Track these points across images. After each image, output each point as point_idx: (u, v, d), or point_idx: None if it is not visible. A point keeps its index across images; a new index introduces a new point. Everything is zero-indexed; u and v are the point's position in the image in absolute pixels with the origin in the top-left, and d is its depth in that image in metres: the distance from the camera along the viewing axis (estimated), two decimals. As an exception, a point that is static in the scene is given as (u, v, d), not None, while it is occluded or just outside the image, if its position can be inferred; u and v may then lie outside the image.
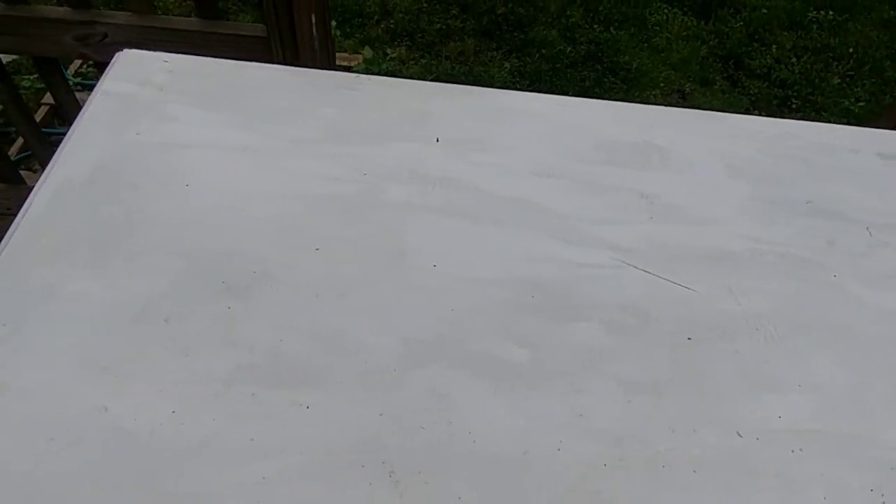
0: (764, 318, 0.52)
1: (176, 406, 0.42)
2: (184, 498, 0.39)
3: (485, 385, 0.46)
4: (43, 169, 0.56)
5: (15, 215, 0.49)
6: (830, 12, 4.01)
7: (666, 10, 3.56)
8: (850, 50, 3.70)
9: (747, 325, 0.52)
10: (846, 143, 0.68)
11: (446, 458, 0.42)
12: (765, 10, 3.87)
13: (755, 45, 3.46)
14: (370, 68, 2.26)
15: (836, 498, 0.44)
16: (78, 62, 2.34)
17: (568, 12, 3.52)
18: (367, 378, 0.45)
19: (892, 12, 3.93)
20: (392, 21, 2.91)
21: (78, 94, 1.53)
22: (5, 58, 1.59)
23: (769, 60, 3.23)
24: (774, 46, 3.55)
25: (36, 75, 2.09)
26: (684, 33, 3.64)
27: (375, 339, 0.47)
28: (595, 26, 3.23)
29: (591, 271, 0.53)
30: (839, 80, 3.07)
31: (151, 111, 0.58)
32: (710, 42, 3.34)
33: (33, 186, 0.51)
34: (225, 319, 0.46)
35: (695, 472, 0.44)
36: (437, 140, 0.60)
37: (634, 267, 0.54)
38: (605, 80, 2.87)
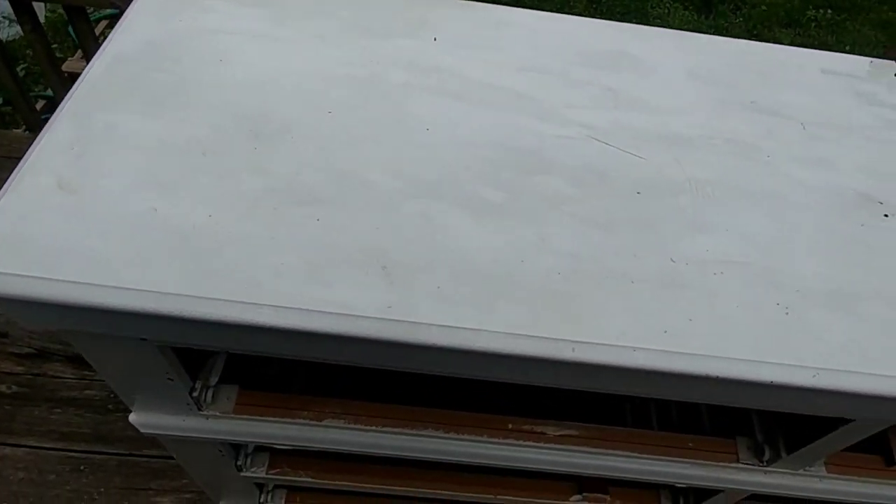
0: (704, 183, 0.62)
1: (212, 212, 0.52)
2: (222, 273, 0.48)
3: (467, 214, 0.56)
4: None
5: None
6: (829, 11, 4.09)
7: (668, 4, 3.66)
8: (847, 48, 3.78)
9: (690, 186, 0.62)
10: (795, 60, 0.77)
11: (431, 260, 0.52)
12: (764, 7, 3.95)
13: (754, 41, 3.55)
14: None
15: (746, 307, 0.53)
16: (102, 26, 2.44)
17: (571, 3, 3.61)
18: (370, 203, 0.55)
19: (890, 13, 4.00)
20: None
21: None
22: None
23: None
24: (773, 43, 3.64)
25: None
26: (685, 27, 3.73)
27: (378, 177, 0.57)
28: (597, 17, 3.32)
29: (560, 141, 0.63)
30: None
31: (193, 4, 0.68)
32: (709, 32, 3.41)
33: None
34: (253, 156, 0.56)
35: (632, 283, 0.53)
36: (435, 39, 0.70)
37: (598, 140, 0.64)
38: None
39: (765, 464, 0.78)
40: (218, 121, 0.58)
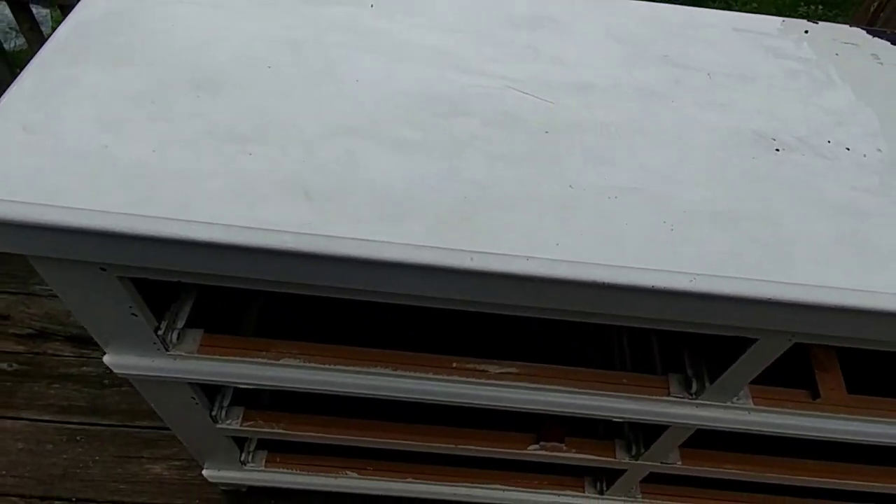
0: (609, 124, 0.68)
1: (156, 148, 0.59)
2: (161, 198, 0.55)
3: (386, 151, 0.62)
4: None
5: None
6: (820, 7, 4.12)
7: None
8: (836, 39, 3.78)
9: (595, 126, 0.68)
10: (709, 20, 0.84)
11: (349, 188, 0.59)
12: (755, 4, 3.99)
13: (676, 5, 3.60)
14: None
15: (635, 225, 0.59)
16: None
17: None
18: (298, 142, 0.62)
19: (879, 5, 4.01)
20: None
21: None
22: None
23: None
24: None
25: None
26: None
27: (308, 122, 0.64)
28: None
29: (479, 90, 0.70)
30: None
31: (151, -20, 0.75)
32: (692, 24, 3.45)
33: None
34: (194, 104, 0.63)
35: (533, 205, 0.59)
36: (372, 6, 0.77)
37: (514, 89, 0.70)
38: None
39: (693, 396, 0.83)
40: (165, 76, 0.66)
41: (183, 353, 0.81)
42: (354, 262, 0.55)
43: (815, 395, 0.85)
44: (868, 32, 0.86)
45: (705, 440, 1.03)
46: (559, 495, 1.27)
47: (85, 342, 1.55)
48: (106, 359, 0.81)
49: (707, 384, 0.81)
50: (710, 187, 0.64)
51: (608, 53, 0.77)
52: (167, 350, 0.80)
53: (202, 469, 1.23)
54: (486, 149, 0.64)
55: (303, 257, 0.55)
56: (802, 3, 3.96)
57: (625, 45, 0.78)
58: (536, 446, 1.06)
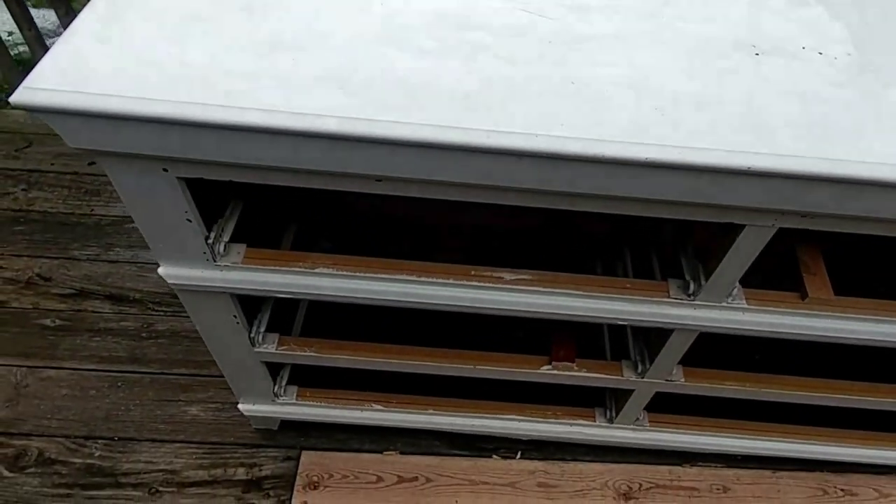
0: (607, 35, 0.77)
1: (213, 55, 0.68)
2: (219, 94, 0.65)
3: (409, 55, 0.71)
4: None
5: None
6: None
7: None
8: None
9: (594, 37, 0.76)
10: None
11: (379, 82, 0.68)
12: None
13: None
14: None
15: (628, 110, 0.68)
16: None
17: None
18: (333, 50, 0.71)
19: None
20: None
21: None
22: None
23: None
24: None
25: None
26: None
27: (340, 35, 0.73)
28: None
29: (492, 10, 0.79)
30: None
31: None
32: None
33: None
34: (245, 21, 0.73)
35: (538, 95, 0.68)
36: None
37: (522, 10, 0.79)
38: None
39: (691, 297, 0.91)
40: None
41: (229, 264, 0.90)
42: (389, 144, 0.64)
43: (804, 295, 0.92)
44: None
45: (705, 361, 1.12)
46: (571, 425, 1.35)
47: (123, 300, 1.65)
48: (160, 270, 0.91)
49: (703, 282, 0.89)
50: (696, 81, 0.72)
51: (605, -18, 0.86)
52: (215, 261, 0.89)
53: (238, 404, 1.32)
54: (497, 54, 0.73)
55: (343, 140, 0.64)
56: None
57: (620, -26, 0.87)
58: (549, 367, 1.14)
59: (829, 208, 0.70)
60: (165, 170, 0.73)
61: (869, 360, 1.22)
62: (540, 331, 1.17)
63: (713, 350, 1.11)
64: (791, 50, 0.78)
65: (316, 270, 0.91)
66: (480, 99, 0.67)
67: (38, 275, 1.68)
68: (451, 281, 0.92)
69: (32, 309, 1.61)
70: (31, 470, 1.35)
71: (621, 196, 0.71)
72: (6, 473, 1.34)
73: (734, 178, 0.67)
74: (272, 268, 0.91)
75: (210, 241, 0.87)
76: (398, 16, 0.76)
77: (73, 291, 1.66)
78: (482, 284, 0.92)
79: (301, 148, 0.66)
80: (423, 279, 0.91)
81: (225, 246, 0.90)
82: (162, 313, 1.62)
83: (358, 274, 0.91)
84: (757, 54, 0.77)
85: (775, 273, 0.96)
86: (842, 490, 1.43)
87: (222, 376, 1.32)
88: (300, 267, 0.91)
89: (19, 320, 1.59)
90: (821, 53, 0.77)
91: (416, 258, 0.93)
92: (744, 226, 0.77)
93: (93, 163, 1.94)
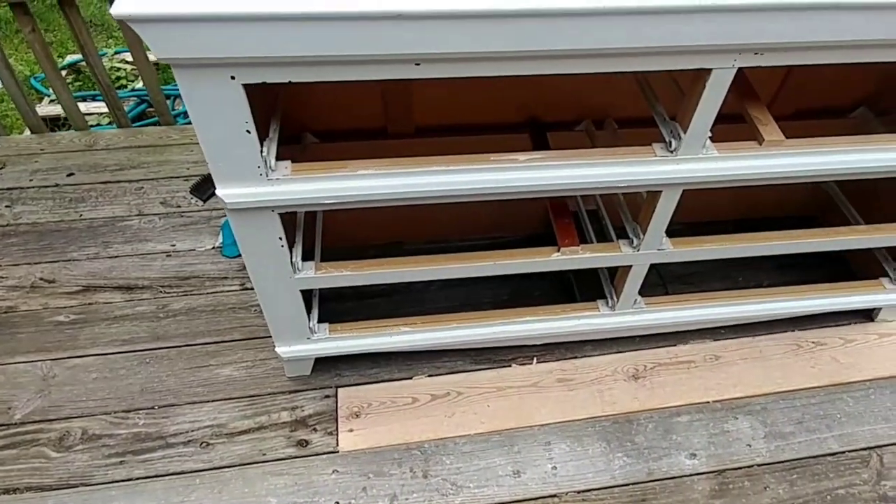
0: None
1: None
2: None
3: None
4: None
5: None
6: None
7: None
8: None
9: None
10: None
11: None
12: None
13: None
14: None
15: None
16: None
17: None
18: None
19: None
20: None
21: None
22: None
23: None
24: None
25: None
26: None
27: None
28: None
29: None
30: None
31: None
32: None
33: None
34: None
35: None
36: None
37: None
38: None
39: (673, 152, 1.09)
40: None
41: (280, 177, 1.01)
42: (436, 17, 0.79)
43: (761, 140, 1.12)
44: None
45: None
46: (580, 318, 1.51)
47: (133, 289, 1.69)
48: (219, 191, 1.00)
49: (682, 136, 1.07)
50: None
51: None
52: (268, 176, 1.00)
53: (275, 348, 1.41)
54: None
55: (383, 20, 0.78)
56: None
57: None
58: (558, 253, 1.30)
59: (778, 38, 0.89)
60: (233, 77, 0.85)
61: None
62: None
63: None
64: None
65: (358, 173, 1.03)
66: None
67: (41, 279, 1.70)
68: (475, 166, 1.06)
69: (43, 309, 1.64)
70: (79, 448, 1.38)
71: (596, 50, 0.87)
72: (53, 454, 1.36)
73: (699, 15, 0.84)
74: (319, 176, 1.02)
75: (264, 154, 0.97)
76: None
77: (80, 288, 1.69)
78: (502, 166, 1.07)
79: (356, 32, 0.79)
80: (451, 168, 1.05)
81: (273, 163, 1.01)
82: (174, 294, 1.68)
83: (395, 171, 1.04)
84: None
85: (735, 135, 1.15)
86: (812, 342, 1.66)
87: (247, 338, 1.40)
88: (344, 172, 1.03)
89: (32, 321, 1.61)
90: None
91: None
92: (710, 70, 0.95)
93: (72, 174, 1.97)
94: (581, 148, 1.11)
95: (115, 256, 1.77)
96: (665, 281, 1.73)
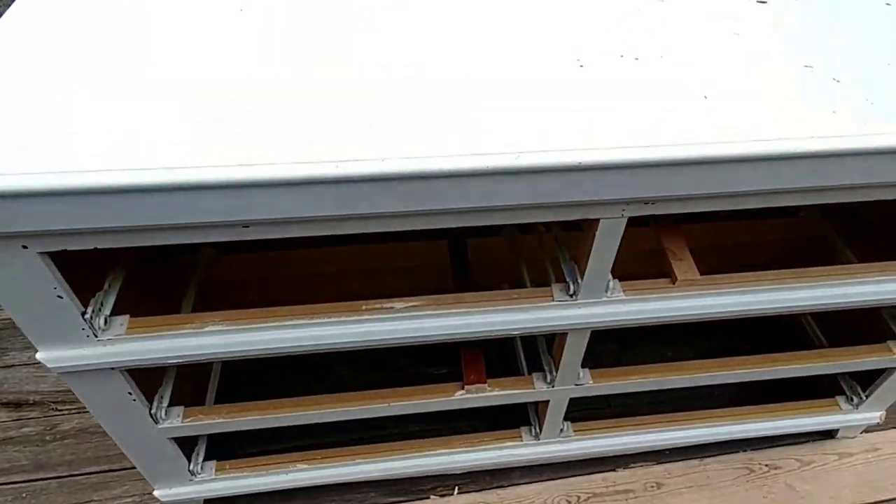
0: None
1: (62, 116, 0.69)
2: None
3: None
4: None
5: None
6: None
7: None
8: None
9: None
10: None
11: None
12: None
13: None
14: None
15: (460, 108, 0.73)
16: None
17: None
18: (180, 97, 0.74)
19: None
20: None
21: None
22: None
23: None
24: None
25: None
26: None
27: (203, 80, 0.76)
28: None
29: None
30: None
31: None
32: None
33: None
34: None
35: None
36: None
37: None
38: None
39: (573, 296, 0.97)
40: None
41: (112, 338, 0.88)
42: (284, 184, 0.67)
43: (674, 279, 1.00)
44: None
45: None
46: (501, 448, 1.36)
47: (21, 405, 1.55)
48: (39, 356, 0.87)
49: (580, 281, 0.94)
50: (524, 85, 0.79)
51: None
52: (97, 337, 0.87)
53: (153, 491, 1.26)
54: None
55: (202, 189, 0.66)
56: None
57: None
58: (462, 392, 1.16)
59: (668, 192, 0.78)
60: (25, 247, 0.73)
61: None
62: (453, 360, 1.19)
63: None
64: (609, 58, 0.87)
65: (206, 329, 0.90)
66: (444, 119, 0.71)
67: (-78, 394, 1.56)
68: (343, 318, 0.93)
69: (-82, 432, 1.49)
70: None
71: (479, 207, 0.75)
72: None
73: (574, 173, 0.73)
74: (159, 334, 0.89)
75: (88, 316, 0.85)
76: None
77: (-36, 405, 1.54)
78: (375, 317, 0.94)
79: (165, 202, 0.68)
80: (315, 321, 0.92)
81: (106, 319, 0.88)
82: (66, 412, 1.53)
83: (249, 326, 0.91)
84: (581, 66, 0.85)
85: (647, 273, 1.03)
86: (766, 465, 1.50)
87: (135, 467, 1.26)
88: (189, 328, 0.90)
89: None
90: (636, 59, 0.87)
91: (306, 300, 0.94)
92: (598, 220, 0.83)
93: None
94: (501, 257, 0.99)
95: (10, 366, 1.63)
96: (608, 395, 1.59)
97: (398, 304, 0.95)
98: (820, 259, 1.16)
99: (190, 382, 1.22)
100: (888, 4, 1.02)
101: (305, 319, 0.92)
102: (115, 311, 0.89)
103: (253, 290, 1.43)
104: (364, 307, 0.94)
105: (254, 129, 0.71)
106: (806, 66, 0.87)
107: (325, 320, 0.93)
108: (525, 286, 1.19)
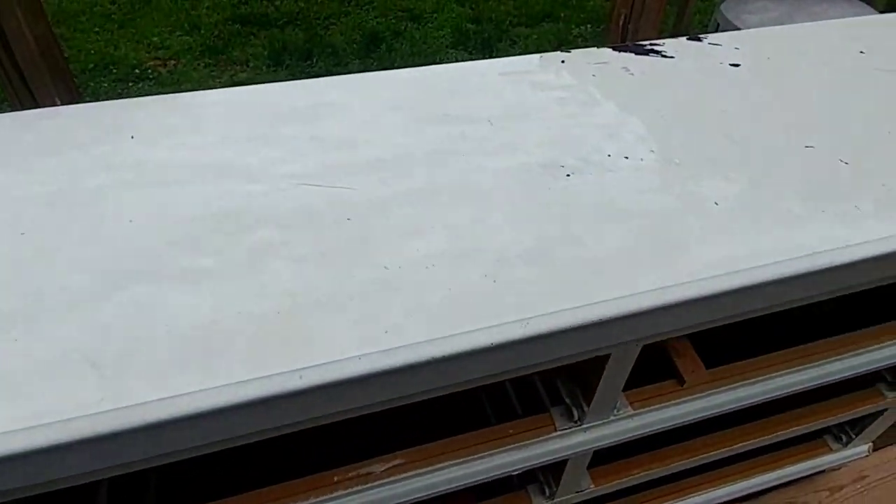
0: (409, 193, 0.68)
1: None
2: None
3: (179, 286, 0.57)
4: None
5: None
6: (589, 27, 4.59)
7: (450, 53, 3.95)
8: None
9: (396, 199, 0.67)
10: (478, 70, 0.88)
11: (144, 341, 0.52)
12: (535, 37, 4.36)
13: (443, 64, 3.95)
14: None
15: (457, 287, 0.58)
16: None
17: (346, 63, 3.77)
18: (72, 307, 0.54)
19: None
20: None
21: None
22: None
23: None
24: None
25: None
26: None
27: (79, 280, 0.56)
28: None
29: (269, 196, 0.66)
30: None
31: None
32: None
33: None
34: (-65, 301, 0.54)
35: (350, 299, 0.57)
36: (132, 137, 0.72)
37: (306, 185, 0.68)
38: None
39: (578, 422, 0.83)
40: None
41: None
42: (166, 425, 0.49)
43: (682, 381, 0.89)
44: (614, 49, 0.96)
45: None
46: (496, 560, 1.21)
47: None
48: None
49: (585, 408, 0.81)
50: (516, 227, 0.65)
51: (392, 124, 0.78)
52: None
53: None
54: (289, 254, 0.61)
55: (102, 440, 0.47)
56: (574, 26, 4.43)
57: (405, 112, 0.80)
58: (452, 528, 1.01)
59: (685, 323, 0.66)
60: None
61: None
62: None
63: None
64: (597, 161, 0.74)
65: (137, 550, 0.70)
66: (281, 326, 0.54)
67: None
68: (312, 500, 0.75)
69: None
70: None
71: (475, 378, 0.60)
72: None
73: (583, 331, 0.59)
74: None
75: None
76: (154, 231, 0.62)
77: None
78: (353, 489, 0.77)
79: (52, 460, 0.48)
80: (279, 508, 0.74)
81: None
82: None
83: (195, 533, 0.72)
84: (568, 175, 0.72)
85: (650, 367, 0.92)
86: (760, 516, 1.44)
87: None
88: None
89: None
90: (626, 158, 0.75)
91: (254, 479, 0.76)
92: (609, 354, 0.70)
93: None
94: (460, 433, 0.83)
95: None
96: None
97: (377, 466, 0.78)
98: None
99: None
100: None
101: (267, 508, 0.74)
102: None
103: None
104: (336, 478, 0.77)
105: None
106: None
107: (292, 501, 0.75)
108: (514, 409, 1.05)
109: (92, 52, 3.59)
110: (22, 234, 0.60)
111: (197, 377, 0.50)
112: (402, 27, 4.03)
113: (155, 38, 3.76)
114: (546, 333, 0.57)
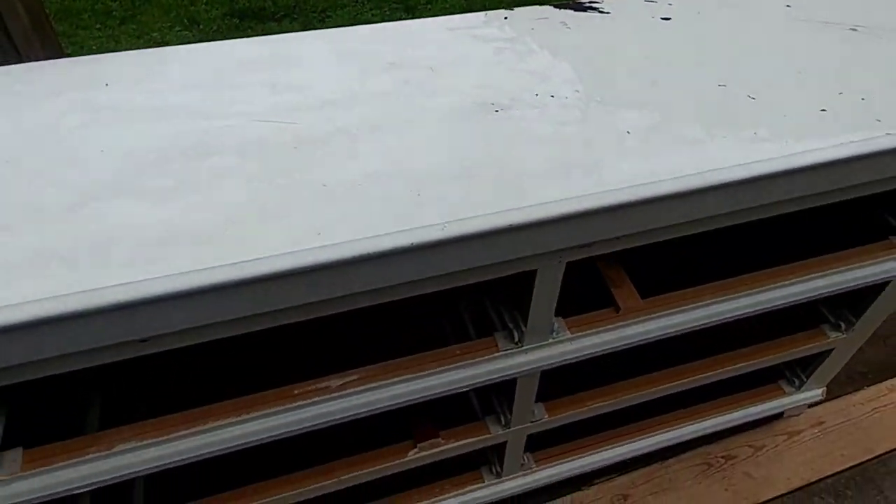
0: (351, 127, 0.76)
1: None
2: None
3: (143, 201, 0.65)
4: None
5: None
6: None
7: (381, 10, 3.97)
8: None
9: (338, 133, 0.75)
10: (424, 27, 0.96)
11: (110, 244, 0.61)
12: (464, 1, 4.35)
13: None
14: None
15: (387, 200, 0.67)
16: None
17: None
18: (49, 219, 0.63)
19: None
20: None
21: None
22: None
23: None
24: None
25: None
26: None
27: (54, 197, 0.65)
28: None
29: (224, 129, 0.75)
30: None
31: None
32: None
33: None
34: None
35: (289, 212, 0.65)
36: (106, 85, 0.81)
37: (259, 121, 0.77)
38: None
39: (519, 343, 0.92)
40: None
41: (7, 477, 0.75)
42: (133, 306, 0.57)
43: (618, 308, 0.97)
44: (555, 7, 1.04)
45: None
46: (464, 493, 1.30)
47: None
48: (-83, 515, 0.74)
49: (524, 329, 0.89)
50: (447, 154, 0.73)
51: (341, 73, 0.86)
52: (-15, 481, 0.74)
53: None
54: (242, 175, 0.69)
55: (80, 317, 0.56)
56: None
57: (355, 62, 0.88)
58: (416, 450, 1.09)
59: (600, 236, 0.74)
60: None
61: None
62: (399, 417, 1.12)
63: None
64: (525, 99, 0.82)
65: (116, 449, 0.79)
66: (231, 230, 0.63)
67: None
68: (273, 410, 0.84)
69: None
70: None
71: (404, 283, 0.69)
72: None
73: (499, 236, 0.67)
74: (63, 464, 0.78)
75: (-31, 463, 0.72)
76: (123, 158, 0.70)
77: None
78: (311, 401, 0.85)
79: (39, 337, 0.57)
80: (242, 418, 0.83)
81: (-5, 459, 0.75)
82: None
83: (166, 437, 0.81)
84: (496, 111, 0.80)
85: (590, 298, 1.00)
86: (723, 458, 1.52)
87: None
88: (96, 452, 0.79)
89: None
90: (552, 97, 0.83)
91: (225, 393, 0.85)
92: (535, 270, 0.79)
93: None
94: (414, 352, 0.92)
95: None
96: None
97: (333, 381, 0.87)
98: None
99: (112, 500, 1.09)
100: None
101: (231, 418, 0.83)
102: (6, 445, 0.77)
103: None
104: (297, 391, 0.86)
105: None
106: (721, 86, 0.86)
107: (254, 415, 0.83)
108: (467, 333, 1.13)
109: (94, 48, 3.68)
110: (7, 161, 0.69)
111: (158, 267, 0.59)
112: (397, 18, 4.10)
113: (155, 34, 3.84)
114: (461, 236, 0.65)
